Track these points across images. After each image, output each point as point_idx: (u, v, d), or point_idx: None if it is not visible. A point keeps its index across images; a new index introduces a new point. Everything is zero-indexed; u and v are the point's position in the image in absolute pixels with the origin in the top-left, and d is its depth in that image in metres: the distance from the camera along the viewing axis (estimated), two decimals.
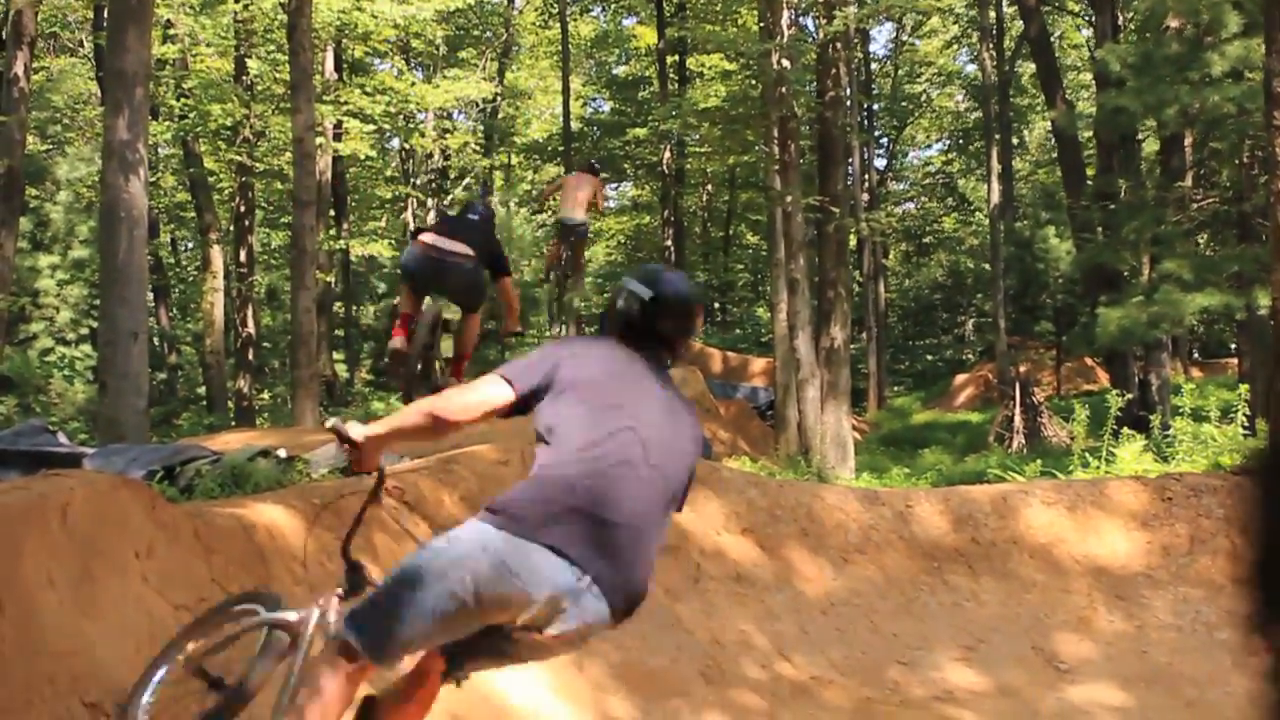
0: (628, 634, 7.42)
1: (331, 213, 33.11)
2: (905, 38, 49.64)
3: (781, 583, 8.91)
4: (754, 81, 28.05)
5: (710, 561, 8.78)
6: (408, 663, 4.05)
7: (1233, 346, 36.45)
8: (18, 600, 4.27)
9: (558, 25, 39.83)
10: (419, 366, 10.36)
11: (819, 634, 8.51)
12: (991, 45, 35.45)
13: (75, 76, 35.63)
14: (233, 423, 26.51)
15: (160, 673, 4.35)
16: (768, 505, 9.47)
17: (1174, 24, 20.62)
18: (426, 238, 10.17)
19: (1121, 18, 27.27)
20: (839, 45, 22.44)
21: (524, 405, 4.10)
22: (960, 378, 39.09)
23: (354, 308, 37.66)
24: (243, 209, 30.79)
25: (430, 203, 39.35)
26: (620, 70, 48.78)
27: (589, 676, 7.15)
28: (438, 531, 5.67)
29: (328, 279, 26.39)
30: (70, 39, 36.60)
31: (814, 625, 8.58)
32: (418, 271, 10.13)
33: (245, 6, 26.21)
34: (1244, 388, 13.56)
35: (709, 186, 48.84)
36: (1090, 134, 29.14)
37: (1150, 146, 28.98)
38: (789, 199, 20.84)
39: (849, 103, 26.85)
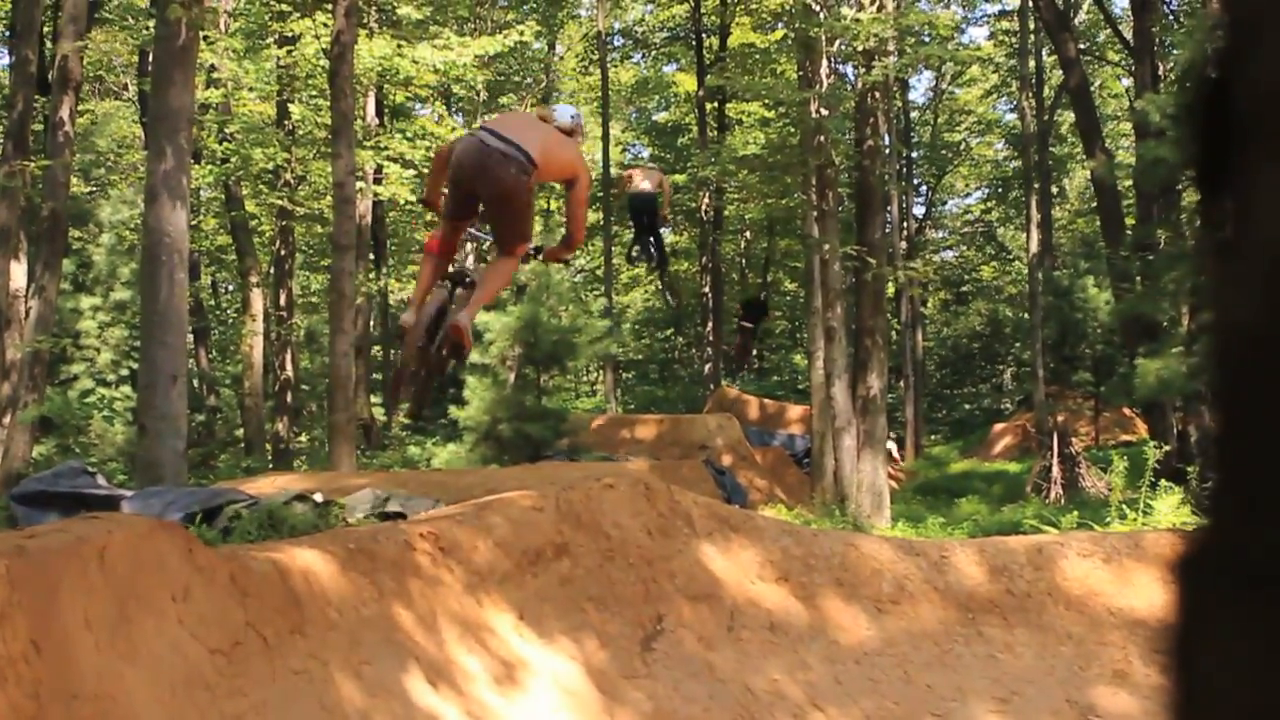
0: (660, 681, 7.40)
1: (371, 256, 33.29)
2: (945, 86, 49.72)
3: (815, 632, 8.86)
4: (793, 129, 28.10)
5: (744, 610, 8.74)
6: None
7: None
8: (54, 643, 4.29)
9: (598, 71, 40.05)
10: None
11: (852, 684, 8.46)
12: (1031, 94, 35.41)
13: (119, 120, 36.00)
14: (270, 465, 26.57)
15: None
16: (802, 554, 9.43)
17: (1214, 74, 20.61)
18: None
19: (1162, 68, 27.27)
20: (878, 94, 22.48)
21: None
22: (998, 427, 38.92)
23: (392, 351, 37.75)
24: (283, 252, 30.99)
25: (470, 247, 39.50)
26: (660, 117, 49.07)
27: None
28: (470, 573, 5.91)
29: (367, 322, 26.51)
30: (115, 83, 37.02)
31: (847, 675, 8.53)
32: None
33: (288, 52, 26.47)
34: None
35: (747, 233, 48.94)
36: (1130, 183, 29.12)
37: (1190, 196, 28.91)
38: (827, 247, 20.89)
39: (888, 151, 26.90)
